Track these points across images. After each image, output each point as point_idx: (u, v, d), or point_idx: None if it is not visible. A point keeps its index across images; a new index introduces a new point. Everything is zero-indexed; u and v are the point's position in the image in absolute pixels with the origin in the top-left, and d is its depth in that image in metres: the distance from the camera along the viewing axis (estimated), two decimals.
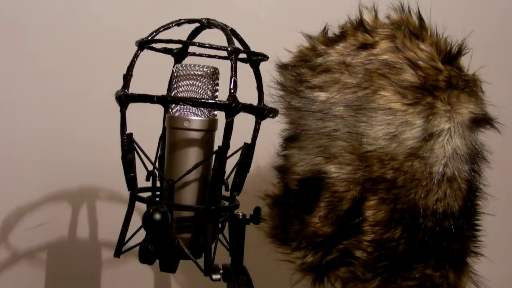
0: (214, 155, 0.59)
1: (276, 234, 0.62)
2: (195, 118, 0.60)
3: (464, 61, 0.61)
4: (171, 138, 0.61)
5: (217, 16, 0.63)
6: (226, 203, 0.64)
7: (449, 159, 0.56)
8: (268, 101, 0.64)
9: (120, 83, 0.59)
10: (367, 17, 0.63)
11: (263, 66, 0.65)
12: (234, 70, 0.56)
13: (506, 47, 1.09)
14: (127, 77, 0.59)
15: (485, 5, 1.08)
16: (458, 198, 0.57)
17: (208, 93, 0.61)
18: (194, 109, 0.60)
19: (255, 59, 0.64)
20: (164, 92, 0.65)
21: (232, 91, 0.55)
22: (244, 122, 0.61)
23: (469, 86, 0.58)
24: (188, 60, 0.67)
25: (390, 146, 0.56)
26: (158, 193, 0.65)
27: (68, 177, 0.92)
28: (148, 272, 0.96)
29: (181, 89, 0.61)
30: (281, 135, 0.63)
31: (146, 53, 0.61)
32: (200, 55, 0.69)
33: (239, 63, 0.58)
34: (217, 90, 0.62)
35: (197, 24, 0.64)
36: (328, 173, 0.57)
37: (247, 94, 0.60)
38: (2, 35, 0.89)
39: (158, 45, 0.65)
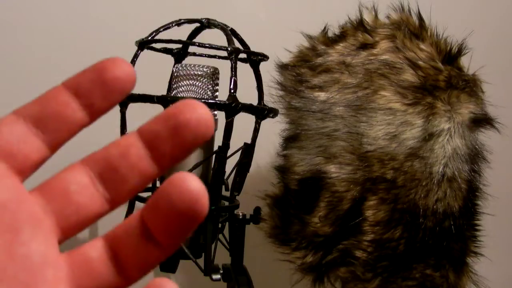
0: (214, 155, 0.59)
1: (276, 234, 0.62)
2: None
3: (464, 61, 0.61)
4: None
5: (217, 16, 0.63)
6: (226, 203, 0.64)
7: (449, 159, 0.56)
8: (268, 101, 0.64)
9: None
10: (367, 17, 0.63)
11: (263, 66, 0.65)
12: (234, 70, 0.56)
13: (506, 47, 1.09)
14: None
15: (485, 5, 1.07)
16: (458, 198, 0.57)
17: (208, 93, 0.61)
18: None
19: (255, 59, 0.64)
20: (164, 92, 0.65)
21: (232, 91, 0.55)
22: (244, 122, 0.61)
23: (469, 86, 0.58)
24: (188, 60, 0.67)
25: (390, 146, 0.56)
26: None
27: None
28: None
29: (181, 89, 0.61)
30: (281, 135, 0.63)
31: (146, 53, 0.61)
32: (200, 55, 0.68)
33: (239, 63, 0.58)
34: (217, 90, 0.62)
35: (197, 24, 0.64)
36: (328, 173, 0.57)
37: (247, 94, 0.60)
38: (2, 36, 0.89)
39: (158, 45, 0.64)
